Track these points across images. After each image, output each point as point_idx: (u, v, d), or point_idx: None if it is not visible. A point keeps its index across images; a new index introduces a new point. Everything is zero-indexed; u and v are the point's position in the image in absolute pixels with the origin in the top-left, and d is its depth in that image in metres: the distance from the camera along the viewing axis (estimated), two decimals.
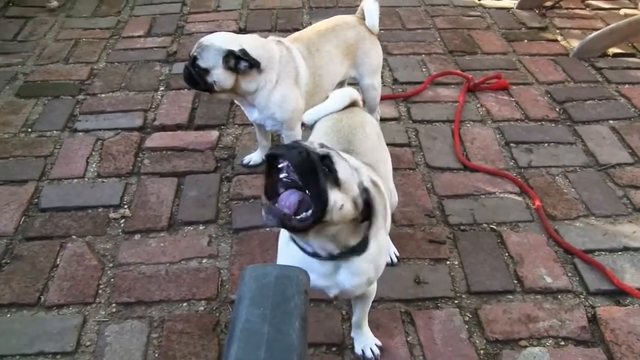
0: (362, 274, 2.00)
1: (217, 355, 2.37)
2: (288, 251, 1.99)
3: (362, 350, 2.35)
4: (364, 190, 1.79)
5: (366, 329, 2.38)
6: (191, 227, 2.97)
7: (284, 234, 2.06)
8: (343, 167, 1.75)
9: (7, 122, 3.74)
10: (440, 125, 3.71)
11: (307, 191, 1.68)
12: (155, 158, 3.41)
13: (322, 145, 1.78)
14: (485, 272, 2.73)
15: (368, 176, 1.88)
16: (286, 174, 1.68)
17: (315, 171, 1.67)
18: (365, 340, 2.37)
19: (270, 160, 1.70)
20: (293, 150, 1.68)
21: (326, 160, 1.71)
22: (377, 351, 2.35)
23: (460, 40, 4.70)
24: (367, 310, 2.32)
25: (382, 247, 2.06)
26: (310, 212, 1.68)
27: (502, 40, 4.74)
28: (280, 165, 1.68)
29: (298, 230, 1.74)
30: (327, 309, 2.56)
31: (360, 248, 1.88)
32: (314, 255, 1.91)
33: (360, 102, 2.50)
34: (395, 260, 2.72)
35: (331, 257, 1.90)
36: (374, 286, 2.20)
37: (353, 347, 2.40)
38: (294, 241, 1.94)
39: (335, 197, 1.70)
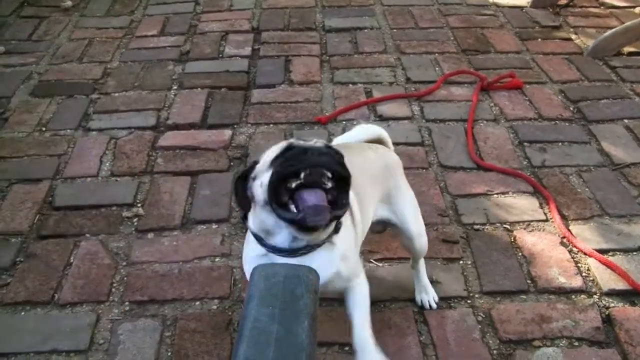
0: (331, 262, 1.90)
1: (230, 354, 2.37)
2: (250, 248, 1.94)
3: None
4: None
5: (371, 352, 1.92)
6: (204, 226, 2.97)
7: (250, 251, 1.95)
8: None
9: (22, 121, 3.76)
10: (454, 125, 3.70)
11: (334, 193, 1.70)
12: (169, 157, 3.42)
13: (327, 147, 1.79)
14: (498, 271, 2.72)
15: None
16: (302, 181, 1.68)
17: (347, 178, 1.73)
18: None
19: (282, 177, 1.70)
20: (323, 156, 1.71)
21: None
22: None
23: (473, 39, 4.69)
24: (366, 323, 1.97)
25: (350, 241, 2.00)
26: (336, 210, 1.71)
27: (515, 39, 4.72)
28: (303, 174, 1.67)
29: (322, 225, 1.74)
30: (340, 308, 2.54)
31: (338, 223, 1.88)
32: (274, 249, 1.83)
33: (388, 142, 2.48)
34: (434, 305, 2.55)
35: (317, 245, 1.84)
36: (362, 281, 2.03)
37: None
38: (269, 248, 1.85)
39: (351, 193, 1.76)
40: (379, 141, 2.43)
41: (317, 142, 1.77)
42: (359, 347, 1.92)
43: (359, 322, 1.97)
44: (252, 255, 1.91)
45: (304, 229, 1.71)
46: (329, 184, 1.68)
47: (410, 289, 2.57)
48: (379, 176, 2.29)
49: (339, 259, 1.95)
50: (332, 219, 1.72)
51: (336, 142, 2.33)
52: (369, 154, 2.34)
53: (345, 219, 1.96)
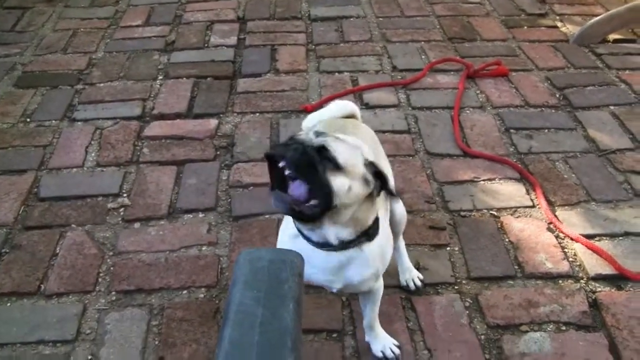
0: (371, 264, 1.98)
1: None
2: (296, 245, 1.93)
3: (382, 352, 2.30)
4: (370, 164, 1.83)
5: (379, 329, 2.34)
6: (191, 215, 2.96)
7: (286, 230, 2.05)
8: (342, 150, 1.77)
9: (6, 112, 3.73)
10: (440, 112, 3.70)
11: (309, 184, 1.72)
12: (154, 147, 3.40)
13: (317, 134, 1.81)
14: (485, 257, 2.72)
15: (369, 152, 1.89)
16: (289, 171, 1.72)
17: (313, 165, 1.72)
18: (383, 341, 2.32)
19: (270, 160, 1.76)
20: (288, 147, 1.74)
21: (323, 151, 1.74)
22: (397, 351, 2.31)
23: (459, 27, 4.69)
24: (376, 311, 2.27)
25: (387, 236, 2.08)
26: (317, 201, 1.73)
27: (501, 26, 4.73)
28: (280, 165, 1.72)
29: (308, 218, 1.77)
30: (328, 295, 2.54)
31: (372, 231, 1.92)
32: (322, 245, 1.89)
33: (359, 115, 2.48)
34: (419, 283, 2.58)
35: (342, 246, 1.89)
36: (381, 283, 2.17)
37: (354, 334, 2.40)
38: (301, 234, 1.92)
39: (339, 182, 1.74)
40: (352, 117, 2.43)
41: (309, 135, 1.80)
42: (369, 328, 2.31)
43: (372, 314, 2.27)
44: (285, 232, 2.04)
45: (295, 216, 1.79)
46: (293, 175, 1.73)
47: (396, 276, 2.57)
48: (372, 147, 2.30)
49: (378, 258, 2.00)
50: (296, 212, 1.76)
51: (314, 118, 2.33)
52: (362, 128, 2.37)
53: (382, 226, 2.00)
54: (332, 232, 1.86)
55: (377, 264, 2.01)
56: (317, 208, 1.74)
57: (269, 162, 1.77)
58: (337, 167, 1.74)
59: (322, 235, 1.87)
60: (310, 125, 2.30)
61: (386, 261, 2.08)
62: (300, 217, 1.79)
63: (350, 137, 1.91)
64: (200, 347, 2.34)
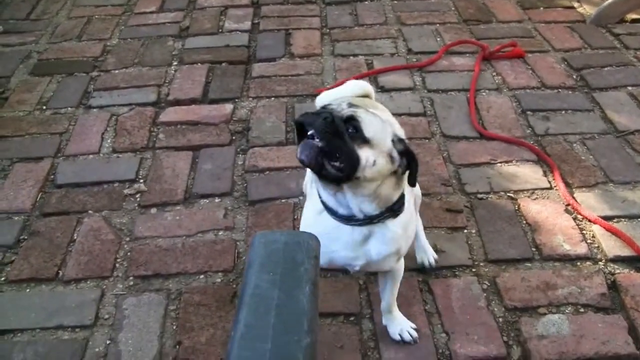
0: (393, 241, 1.97)
1: None
2: (320, 221, 1.97)
3: (400, 335, 2.31)
4: (399, 141, 1.84)
5: (397, 312, 2.34)
6: (207, 200, 2.97)
7: (310, 206, 2.05)
8: (370, 123, 1.78)
9: (22, 100, 3.74)
10: (456, 95, 3.68)
11: (337, 154, 1.73)
12: (170, 132, 3.40)
13: (350, 105, 1.81)
14: (503, 240, 2.71)
15: (400, 129, 1.90)
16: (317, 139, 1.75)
17: (340, 135, 1.73)
18: (400, 324, 2.33)
19: (299, 127, 1.78)
20: (318, 116, 1.75)
21: (351, 121, 1.75)
22: (414, 334, 2.31)
23: (474, 9, 4.65)
24: (395, 293, 2.27)
25: (412, 215, 2.08)
26: (342, 164, 1.73)
27: (517, 8, 4.68)
28: (309, 133, 1.75)
29: (331, 177, 1.77)
30: (345, 279, 2.55)
31: (397, 207, 1.92)
32: (348, 219, 1.90)
33: (373, 96, 2.47)
34: (433, 263, 2.58)
35: (367, 221, 1.90)
36: (402, 263, 2.17)
37: (372, 317, 2.40)
38: (327, 208, 1.93)
39: (365, 154, 1.75)
40: (366, 97, 2.42)
41: (341, 105, 1.81)
42: (387, 311, 2.31)
43: (390, 296, 2.26)
44: (311, 208, 2.04)
45: (318, 171, 1.78)
46: (319, 143, 1.74)
47: (413, 258, 2.56)
48: None
49: (401, 235, 1.99)
50: (320, 165, 1.74)
51: (328, 96, 2.32)
52: (380, 108, 2.34)
53: (407, 205, 1.99)
54: (355, 203, 1.86)
55: (400, 241, 2.00)
56: (341, 172, 1.74)
57: (297, 130, 1.78)
58: (364, 140, 1.75)
59: (347, 207, 1.87)
60: (322, 101, 2.30)
61: (410, 239, 2.08)
62: (324, 174, 1.78)
63: (384, 113, 1.91)
64: (217, 332, 2.35)
